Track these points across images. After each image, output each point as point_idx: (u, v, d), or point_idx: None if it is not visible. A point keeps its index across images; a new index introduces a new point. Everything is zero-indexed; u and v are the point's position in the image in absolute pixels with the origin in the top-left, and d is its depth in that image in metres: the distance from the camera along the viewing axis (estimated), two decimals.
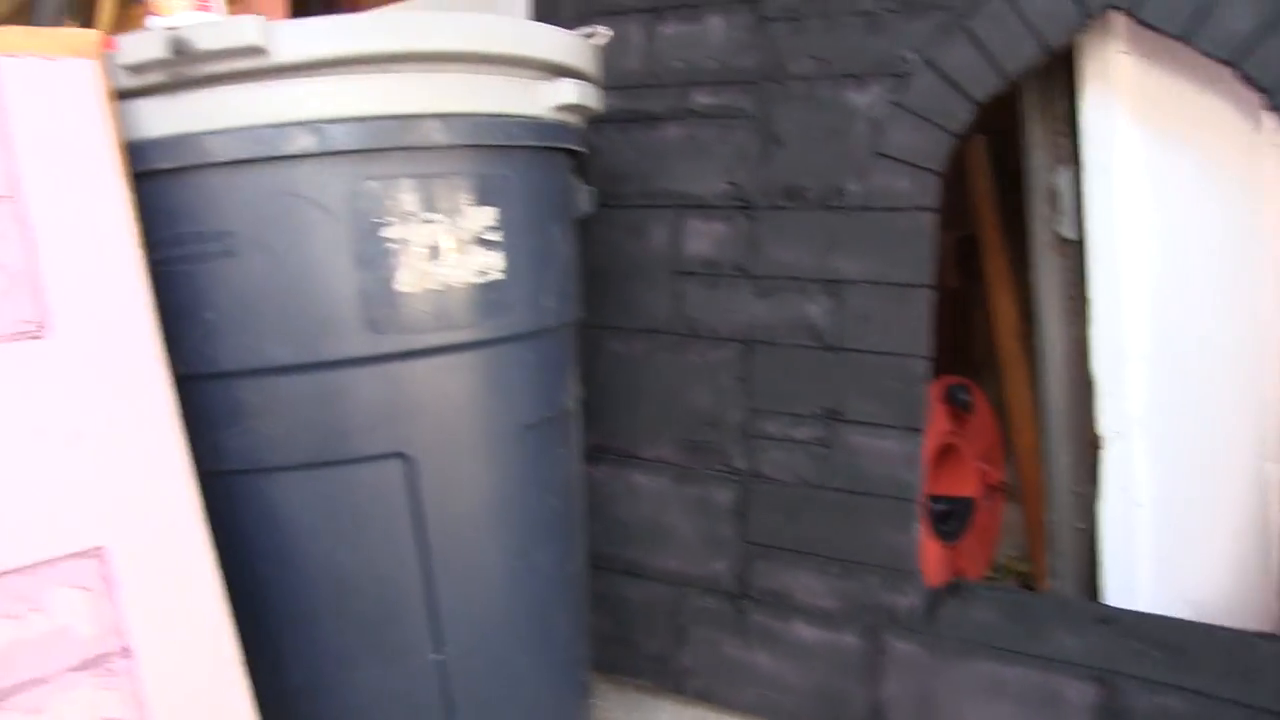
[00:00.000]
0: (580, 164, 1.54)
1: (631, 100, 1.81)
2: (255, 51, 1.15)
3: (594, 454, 1.86)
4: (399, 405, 1.28)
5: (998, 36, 1.55)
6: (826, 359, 1.70)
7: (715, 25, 1.76)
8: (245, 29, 1.14)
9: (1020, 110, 1.85)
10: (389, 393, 1.28)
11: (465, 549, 1.36)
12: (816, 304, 1.70)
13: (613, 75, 1.68)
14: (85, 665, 1.08)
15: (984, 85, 1.57)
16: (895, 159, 1.63)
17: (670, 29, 1.80)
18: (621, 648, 1.94)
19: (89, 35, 1.18)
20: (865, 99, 1.65)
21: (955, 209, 1.63)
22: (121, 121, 1.18)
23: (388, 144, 1.23)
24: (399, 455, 1.29)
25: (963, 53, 1.57)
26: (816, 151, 1.68)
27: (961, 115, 1.59)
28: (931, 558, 1.85)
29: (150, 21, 1.30)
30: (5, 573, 1.05)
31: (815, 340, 1.70)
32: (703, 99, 1.77)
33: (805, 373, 1.72)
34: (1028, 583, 2.24)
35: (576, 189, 1.52)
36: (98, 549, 1.09)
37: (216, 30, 1.14)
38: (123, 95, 1.20)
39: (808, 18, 1.68)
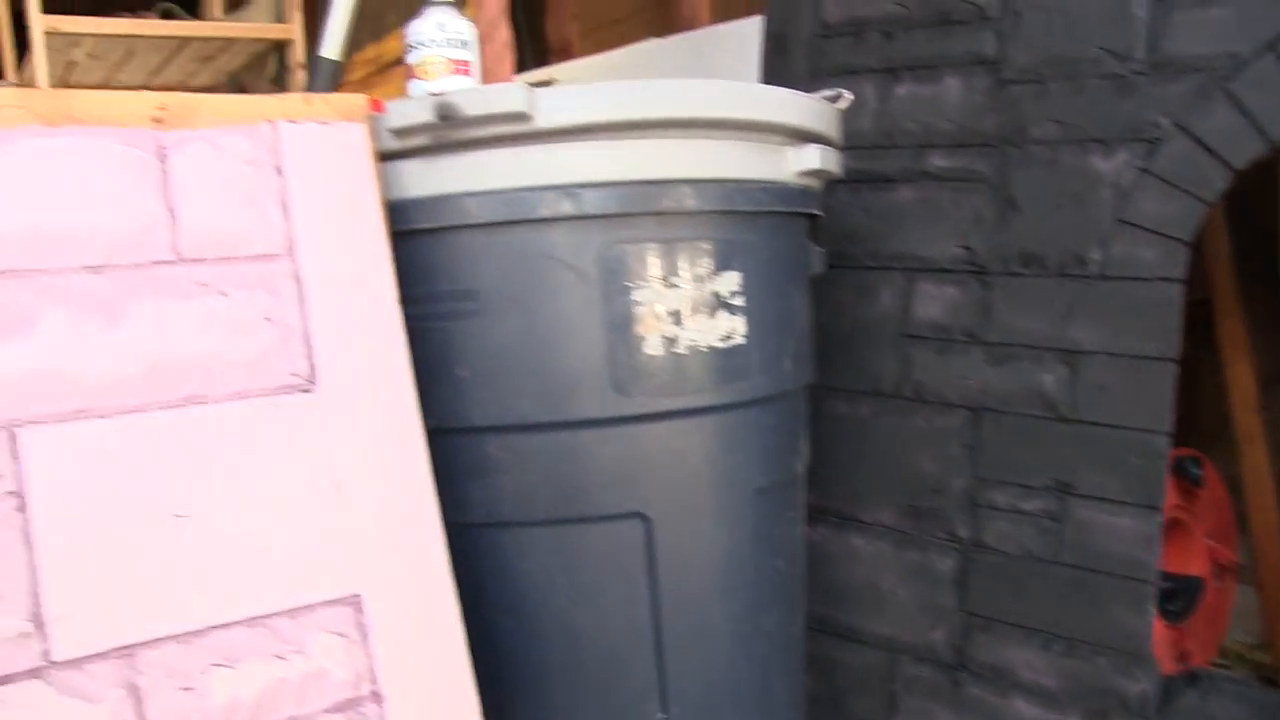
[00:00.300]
0: (814, 226, 1.54)
1: (863, 161, 1.80)
2: (519, 118, 1.18)
3: (812, 514, 1.84)
4: (639, 466, 1.30)
5: (1265, 99, 1.48)
6: (1060, 430, 1.64)
7: (952, 87, 1.74)
8: (512, 96, 1.17)
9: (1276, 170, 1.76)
10: (630, 453, 1.29)
11: (695, 610, 1.36)
12: (1051, 373, 1.65)
13: (845, 135, 1.67)
14: (339, 708, 1.12)
15: (1245, 151, 1.50)
16: (1142, 228, 1.57)
17: (905, 90, 1.79)
18: (832, 711, 1.91)
19: (358, 100, 1.23)
20: (1111, 165, 1.60)
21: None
22: (384, 181, 1.23)
23: (639, 209, 1.25)
24: (637, 515, 1.30)
25: (1222, 117, 1.51)
26: (1056, 218, 1.64)
27: (1217, 183, 1.52)
28: (1155, 638, 1.76)
29: (413, 86, 1.36)
30: (271, 615, 1.09)
31: (1048, 410, 1.65)
32: (938, 161, 1.75)
33: (1036, 443, 1.67)
34: (1266, 674, 2.11)
35: (812, 251, 1.51)
36: (355, 596, 1.13)
37: (484, 97, 1.18)
38: (386, 156, 1.25)
39: (1051, 81, 1.64)
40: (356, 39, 3.51)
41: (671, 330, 1.27)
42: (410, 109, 1.21)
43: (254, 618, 1.08)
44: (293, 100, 1.21)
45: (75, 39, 2.71)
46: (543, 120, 1.19)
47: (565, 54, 3.49)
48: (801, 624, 1.58)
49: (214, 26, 2.97)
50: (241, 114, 1.17)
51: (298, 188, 1.17)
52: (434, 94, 1.23)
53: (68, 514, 1.02)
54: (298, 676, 1.10)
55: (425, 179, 1.24)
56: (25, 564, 1.00)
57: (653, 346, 1.26)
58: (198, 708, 1.05)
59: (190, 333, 1.10)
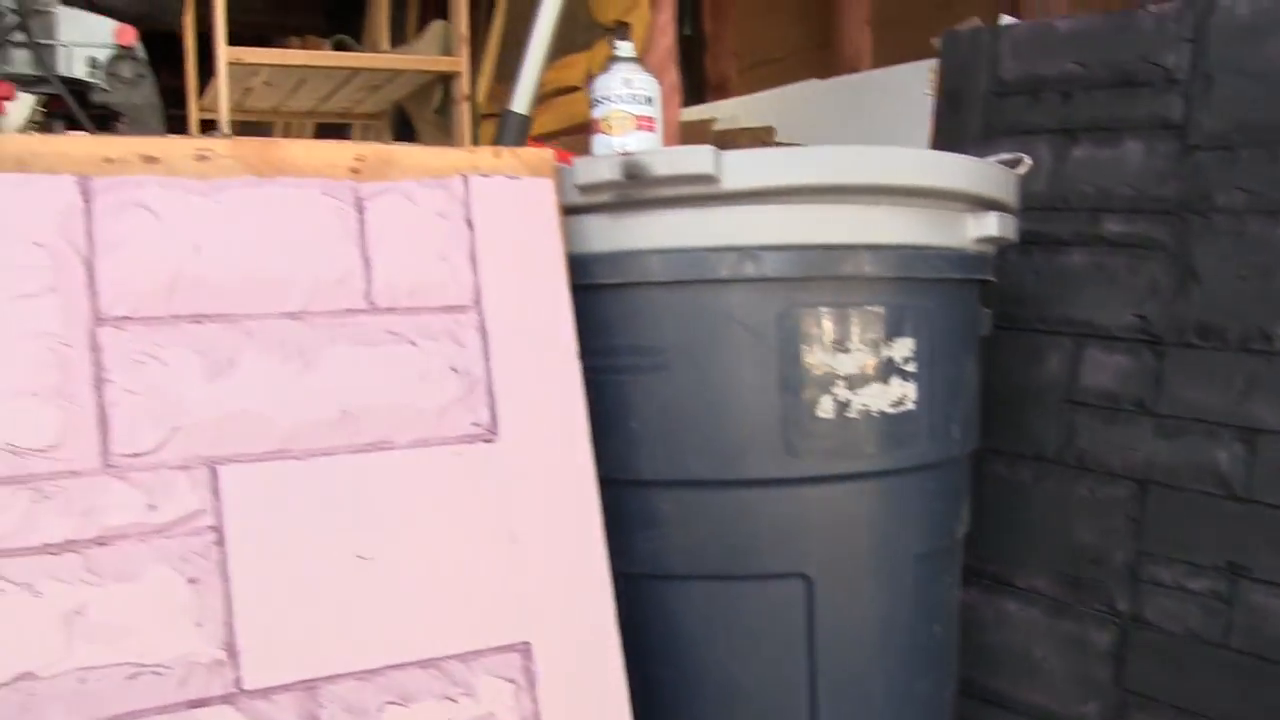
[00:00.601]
0: (985, 289, 1.52)
1: (1035, 222, 1.77)
2: (706, 179, 1.20)
3: (965, 575, 1.81)
4: (803, 527, 1.30)
5: None
6: (1233, 509, 1.59)
7: (1133, 150, 1.70)
8: (701, 158, 1.19)
9: None
10: (796, 514, 1.29)
11: (852, 672, 1.35)
12: (1226, 450, 1.60)
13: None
14: None
15: None
16: None
17: (1082, 151, 1.76)
18: None
19: (546, 155, 1.26)
20: None
21: None
22: (567, 235, 1.26)
23: (818, 273, 1.25)
24: (799, 575, 1.30)
25: None
26: (1240, 290, 1.59)
27: None
28: None
29: (597, 141, 1.39)
30: (444, 658, 1.12)
31: (1222, 488, 1.60)
32: (1113, 226, 1.71)
33: (1207, 521, 1.62)
34: None
35: (982, 314, 1.50)
36: (524, 644, 1.15)
37: (671, 158, 1.20)
38: (570, 210, 1.27)
39: (1242, 148, 1.60)
40: (515, 69, 3.61)
41: (844, 394, 1.27)
42: (599, 167, 1.23)
43: (428, 659, 1.11)
44: (483, 154, 1.24)
45: (255, 69, 2.83)
46: (728, 182, 1.21)
47: (722, 91, 3.52)
48: (953, 688, 1.56)
49: (385, 58, 3.07)
50: (434, 166, 1.21)
51: (486, 240, 1.20)
52: (621, 152, 1.26)
53: (260, 550, 1.07)
54: (466, 719, 1.12)
55: (609, 235, 1.27)
56: (222, 595, 1.05)
57: (825, 410, 1.27)
58: None
59: (380, 380, 1.14)
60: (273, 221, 1.13)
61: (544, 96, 3.71)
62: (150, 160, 1.11)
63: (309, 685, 1.07)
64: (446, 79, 3.03)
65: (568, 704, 1.17)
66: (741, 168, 1.20)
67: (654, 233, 1.25)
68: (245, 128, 3.53)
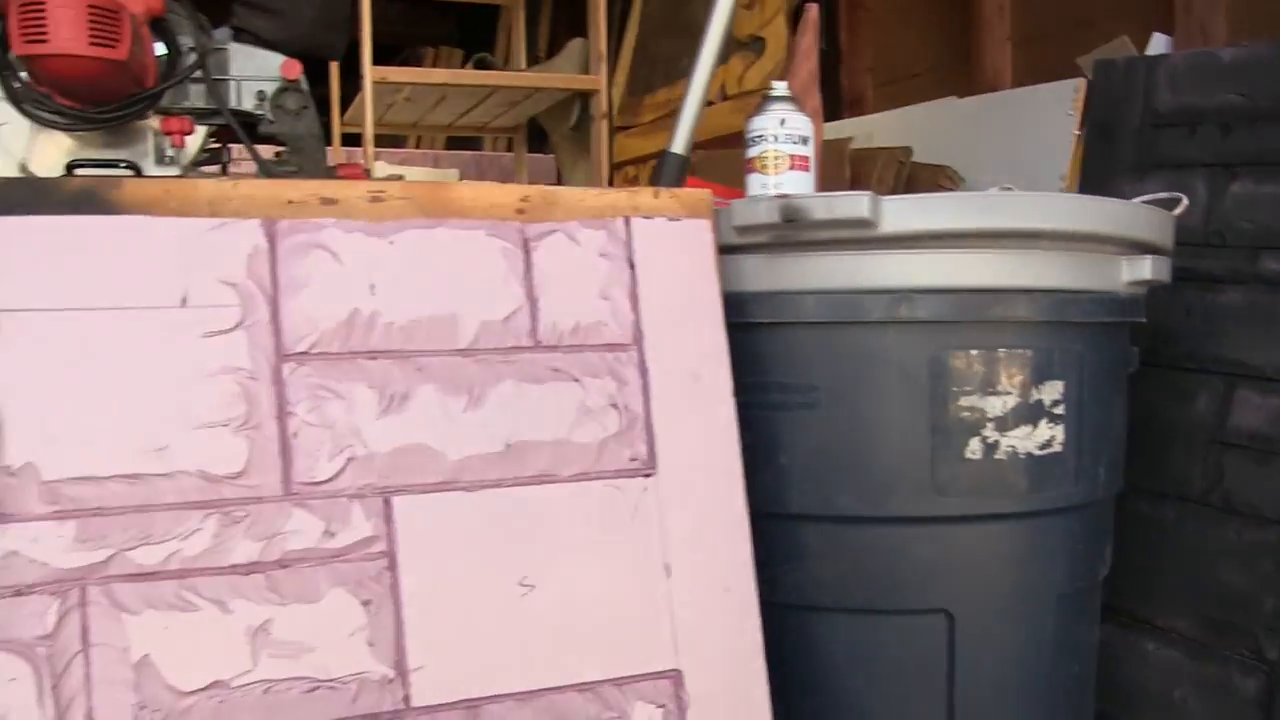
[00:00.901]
0: (1135, 329, 1.51)
1: (1187, 259, 1.75)
2: (864, 224, 1.22)
3: (1102, 612, 1.80)
4: (948, 565, 1.31)
5: None
6: None
7: None
8: (860, 204, 1.21)
9: None
10: (941, 552, 1.31)
11: (990, 709, 1.36)
12: None
13: None
14: None
15: None
16: None
17: (1241, 187, 1.73)
18: None
19: (704, 196, 1.30)
20: None
21: None
22: (723, 273, 1.29)
23: (970, 316, 1.27)
24: (943, 612, 1.31)
25: None
26: None
27: None
28: None
29: (752, 180, 1.42)
30: (600, 682, 1.17)
31: None
32: (1272, 265, 1.68)
33: None
34: None
35: (1131, 354, 1.49)
36: (675, 671, 1.19)
37: (832, 203, 1.22)
38: (725, 249, 1.30)
39: None
40: (648, 83, 3.65)
41: (992, 436, 1.28)
42: (757, 210, 1.26)
43: (584, 683, 1.16)
44: (643, 195, 1.28)
45: (398, 86, 2.92)
46: (885, 227, 1.23)
47: (858, 107, 3.51)
48: None
49: (526, 77, 3.13)
50: (595, 207, 1.26)
51: (647, 280, 1.24)
52: (778, 194, 1.29)
53: (429, 575, 1.13)
54: None
55: (764, 275, 1.30)
56: (393, 617, 1.11)
57: (973, 451, 1.28)
58: None
59: (544, 415, 1.18)
60: (443, 261, 1.19)
61: (676, 112, 3.73)
62: (328, 202, 1.18)
63: (472, 704, 1.12)
64: (584, 96, 3.09)
65: None
66: (899, 213, 1.22)
67: (809, 274, 1.28)
68: (382, 140, 3.63)
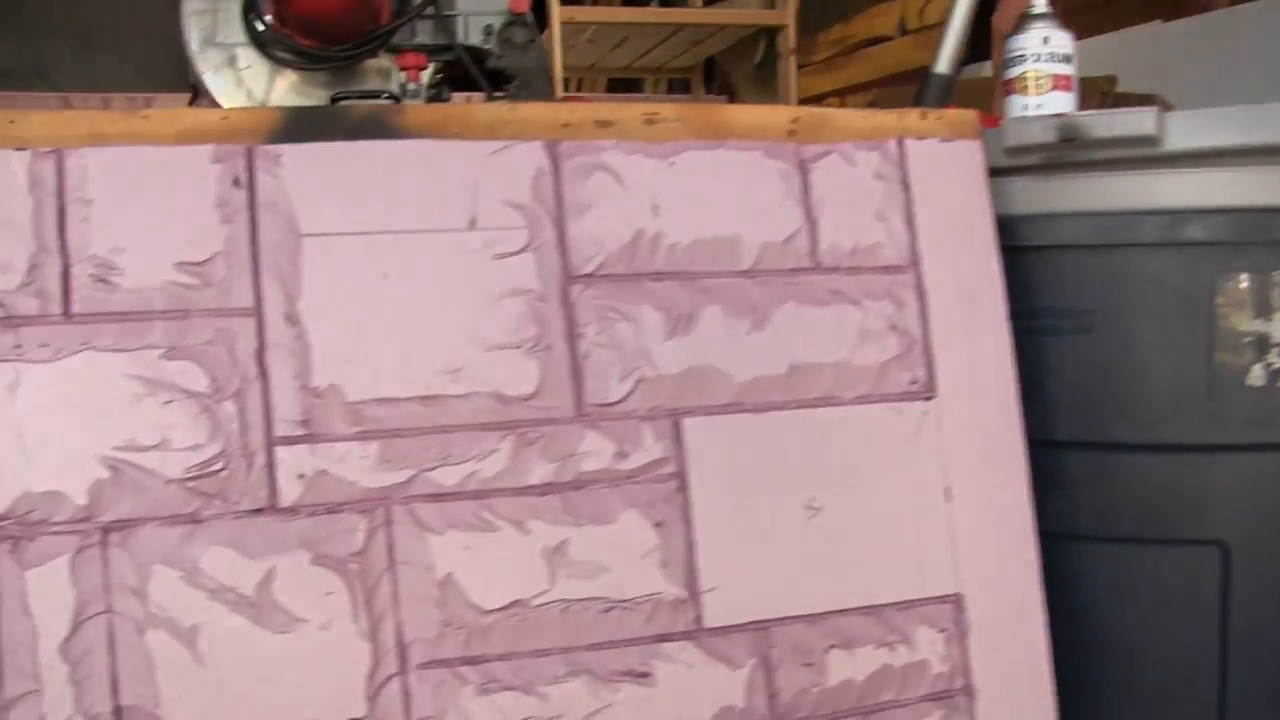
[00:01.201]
0: None
1: None
2: (1147, 141, 1.19)
3: None
4: (1224, 495, 1.28)
5: None
6: None
7: None
8: (1145, 120, 1.18)
9: None
10: (1217, 481, 1.27)
11: (1266, 641, 1.33)
12: None
13: None
14: (935, 698, 1.18)
15: None
16: None
17: None
18: None
19: (970, 117, 1.27)
20: None
21: None
22: (992, 197, 1.27)
23: (1254, 237, 1.22)
24: (1217, 543, 1.28)
25: None
26: None
27: None
28: None
29: (1011, 102, 1.38)
30: (884, 606, 1.17)
31: None
32: None
33: None
34: None
35: None
36: (956, 595, 1.18)
37: (1113, 120, 1.19)
38: (994, 172, 1.28)
39: None
40: (822, 20, 3.58)
41: (1277, 362, 1.24)
42: (1031, 130, 1.23)
43: (869, 606, 1.16)
44: (911, 116, 1.26)
45: (582, 27, 2.91)
46: (1170, 144, 1.19)
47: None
48: None
49: (714, 13, 3.11)
50: (863, 129, 1.24)
51: (921, 202, 1.23)
52: (1046, 114, 1.26)
53: (718, 497, 1.13)
54: (901, 665, 1.17)
55: (1034, 197, 1.27)
56: (684, 539, 1.12)
57: (1255, 378, 1.24)
58: (816, 683, 1.14)
59: (825, 337, 1.18)
60: (723, 183, 1.18)
61: (854, 46, 3.67)
62: (604, 124, 1.18)
63: (761, 626, 1.13)
64: (769, 33, 3.04)
65: (995, 656, 1.19)
66: (1187, 129, 1.19)
67: (1081, 195, 1.25)
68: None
